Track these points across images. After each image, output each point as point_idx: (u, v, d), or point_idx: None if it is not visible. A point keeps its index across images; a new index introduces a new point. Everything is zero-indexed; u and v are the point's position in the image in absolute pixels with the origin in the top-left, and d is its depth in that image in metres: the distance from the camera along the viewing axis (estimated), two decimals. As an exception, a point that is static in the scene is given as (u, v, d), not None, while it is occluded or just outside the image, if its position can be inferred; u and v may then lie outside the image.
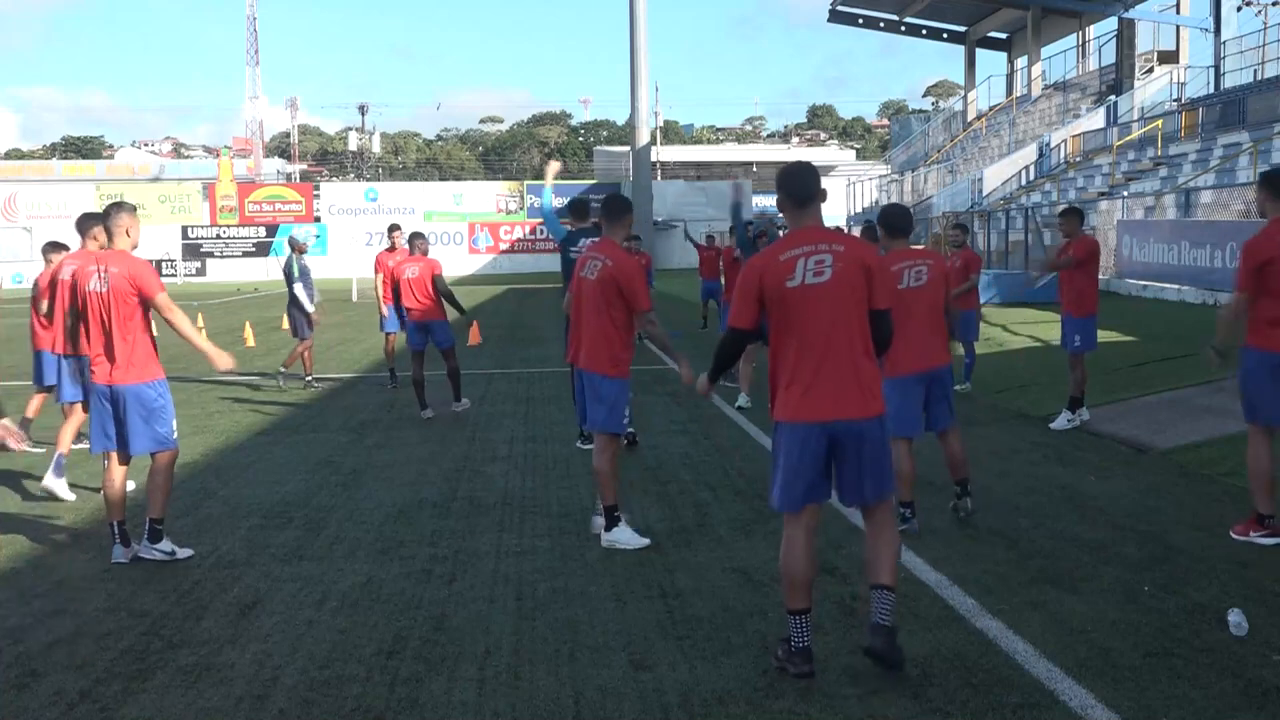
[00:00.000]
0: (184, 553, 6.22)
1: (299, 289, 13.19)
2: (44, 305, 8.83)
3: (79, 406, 8.33)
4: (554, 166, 9.60)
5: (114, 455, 6.21)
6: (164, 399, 6.22)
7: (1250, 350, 6.10)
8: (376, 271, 13.78)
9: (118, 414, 6.11)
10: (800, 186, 4.43)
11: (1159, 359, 11.98)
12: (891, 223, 6.42)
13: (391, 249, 13.44)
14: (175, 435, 6.31)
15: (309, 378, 13.31)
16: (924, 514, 6.54)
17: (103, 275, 6.09)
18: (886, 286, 4.44)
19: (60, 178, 61.58)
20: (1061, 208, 9.99)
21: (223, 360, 6.30)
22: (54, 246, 9.04)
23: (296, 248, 13.43)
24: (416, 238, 11.57)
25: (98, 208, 41.27)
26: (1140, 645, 4.63)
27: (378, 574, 5.87)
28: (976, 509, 6.68)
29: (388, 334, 13.68)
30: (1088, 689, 4.19)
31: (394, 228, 13.84)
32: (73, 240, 8.30)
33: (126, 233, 6.22)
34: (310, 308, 13.28)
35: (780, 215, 4.48)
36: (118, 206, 6.28)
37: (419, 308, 11.05)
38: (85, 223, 7.86)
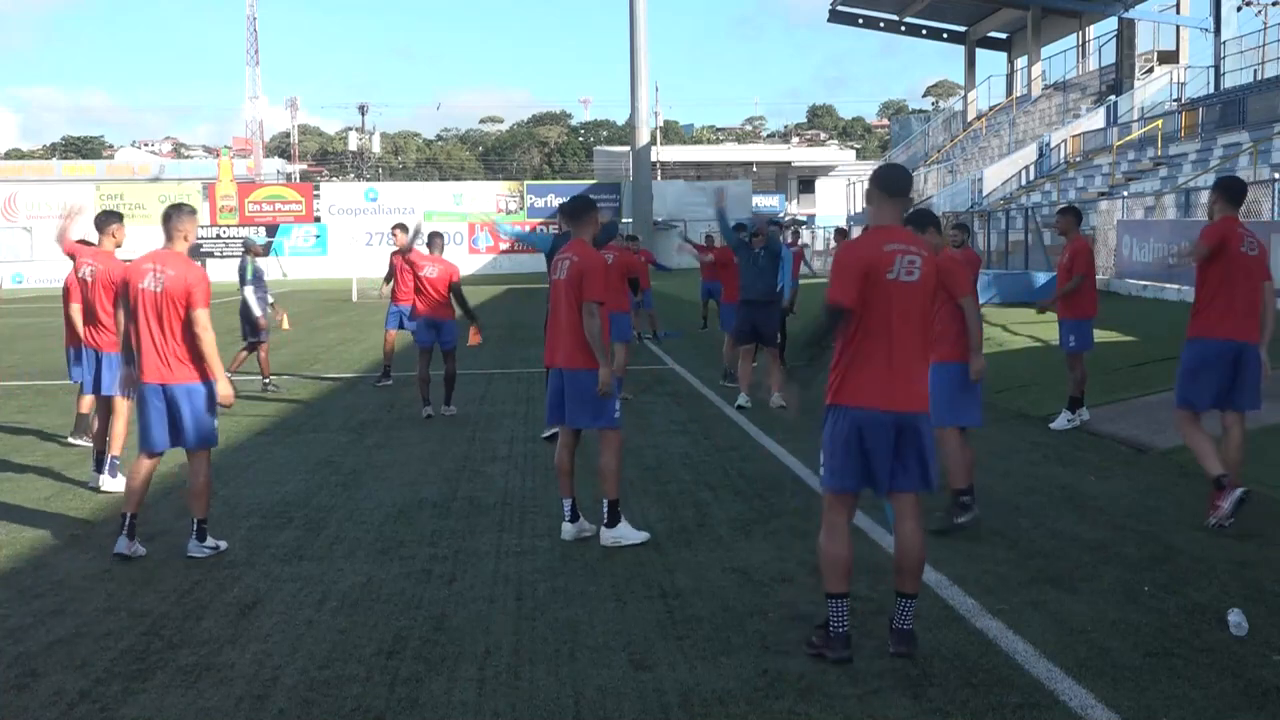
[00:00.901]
0: (223, 544, 6.37)
1: (248, 292, 12.92)
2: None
3: (124, 401, 8.28)
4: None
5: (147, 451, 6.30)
6: (214, 397, 6.33)
7: (1190, 340, 6.69)
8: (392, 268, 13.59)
9: (171, 412, 6.19)
10: (896, 182, 4.61)
11: (1159, 359, 11.97)
12: (933, 221, 6.49)
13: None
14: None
15: (232, 377, 13.03)
16: (925, 514, 6.52)
17: (158, 275, 6.17)
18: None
19: (60, 178, 61.62)
20: (1060, 207, 10.00)
21: (228, 394, 6.32)
22: (87, 245, 9.05)
23: (252, 250, 13.29)
24: (436, 236, 11.62)
25: (98, 208, 41.39)
26: (1140, 645, 4.63)
27: (378, 574, 5.87)
28: (981, 516, 6.62)
29: (388, 331, 13.65)
30: (1088, 689, 4.19)
31: (406, 229, 13.78)
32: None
33: (185, 237, 6.33)
34: (257, 312, 12.95)
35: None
36: (178, 209, 6.39)
37: (430, 306, 11.08)
38: (104, 220, 8.12)
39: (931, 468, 4.60)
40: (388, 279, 13.69)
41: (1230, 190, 6.73)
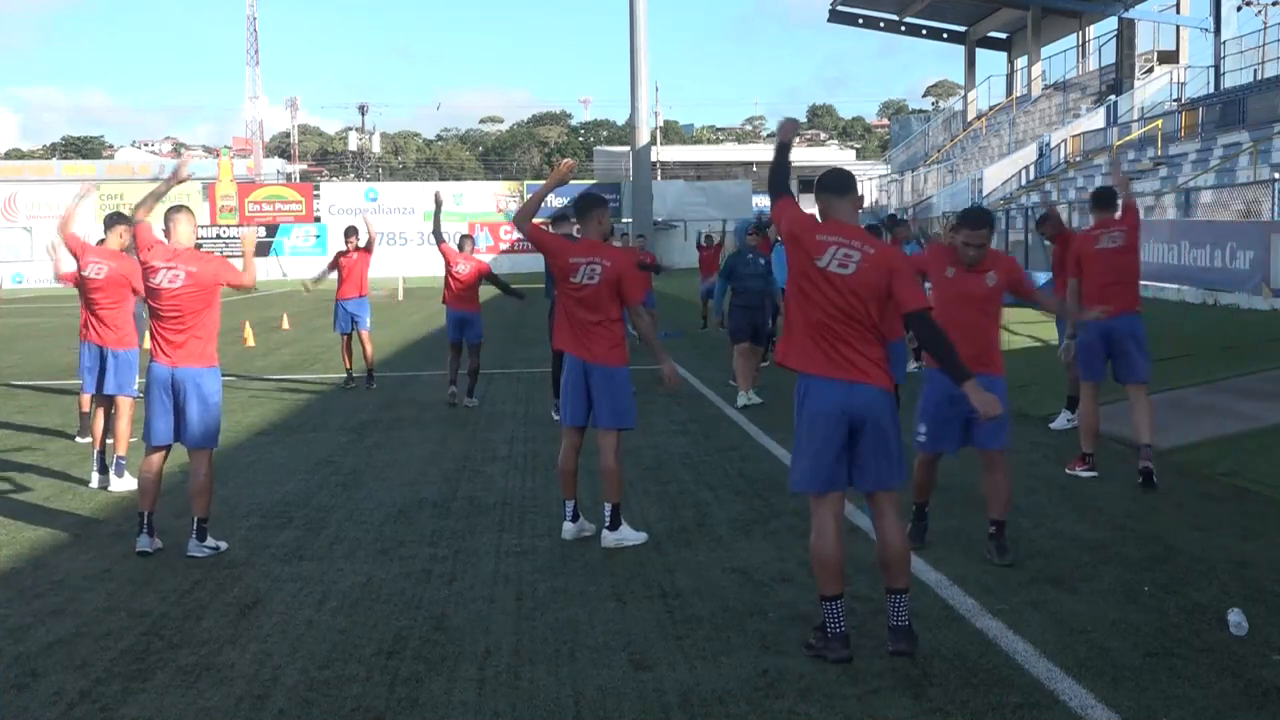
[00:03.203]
0: (223, 544, 6.40)
1: None
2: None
3: (128, 400, 8.27)
4: None
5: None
6: (219, 387, 6.53)
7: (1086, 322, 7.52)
8: (331, 268, 13.42)
9: (176, 404, 6.30)
10: (837, 179, 4.75)
11: (1159, 359, 11.95)
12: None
13: (348, 253, 13.38)
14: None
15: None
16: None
17: (176, 272, 6.36)
18: (914, 287, 4.58)
19: (60, 178, 61.55)
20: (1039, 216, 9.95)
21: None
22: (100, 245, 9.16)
23: None
24: (466, 239, 12.45)
25: (98, 208, 41.32)
26: (1140, 645, 4.63)
27: (378, 574, 5.87)
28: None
29: (343, 334, 13.56)
30: (1088, 689, 4.19)
31: (351, 230, 13.77)
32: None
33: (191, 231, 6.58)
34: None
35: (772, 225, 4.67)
36: (174, 209, 6.65)
37: (459, 302, 11.98)
38: (112, 221, 8.47)
39: (891, 464, 4.56)
40: (328, 270, 13.44)
41: (1095, 198, 8.07)
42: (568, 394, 6.40)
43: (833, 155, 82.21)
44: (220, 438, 9.84)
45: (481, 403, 12.10)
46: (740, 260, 11.43)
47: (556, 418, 10.03)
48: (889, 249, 4.62)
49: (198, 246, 6.68)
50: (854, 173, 5.00)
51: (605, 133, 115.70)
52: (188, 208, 6.72)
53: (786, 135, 4.96)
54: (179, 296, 6.29)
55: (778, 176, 4.87)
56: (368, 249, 13.36)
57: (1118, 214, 7.86)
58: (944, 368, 4.68)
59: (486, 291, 12.36)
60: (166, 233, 6.50)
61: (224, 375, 6.39)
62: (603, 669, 4.52)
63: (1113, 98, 36.19)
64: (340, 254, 13.39)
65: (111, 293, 8.31)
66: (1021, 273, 6.23)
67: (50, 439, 10.19)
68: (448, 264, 12.07)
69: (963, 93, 49.44)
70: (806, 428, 4.54)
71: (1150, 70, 37.03)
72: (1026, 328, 16.20)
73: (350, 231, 13.63)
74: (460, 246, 12.36)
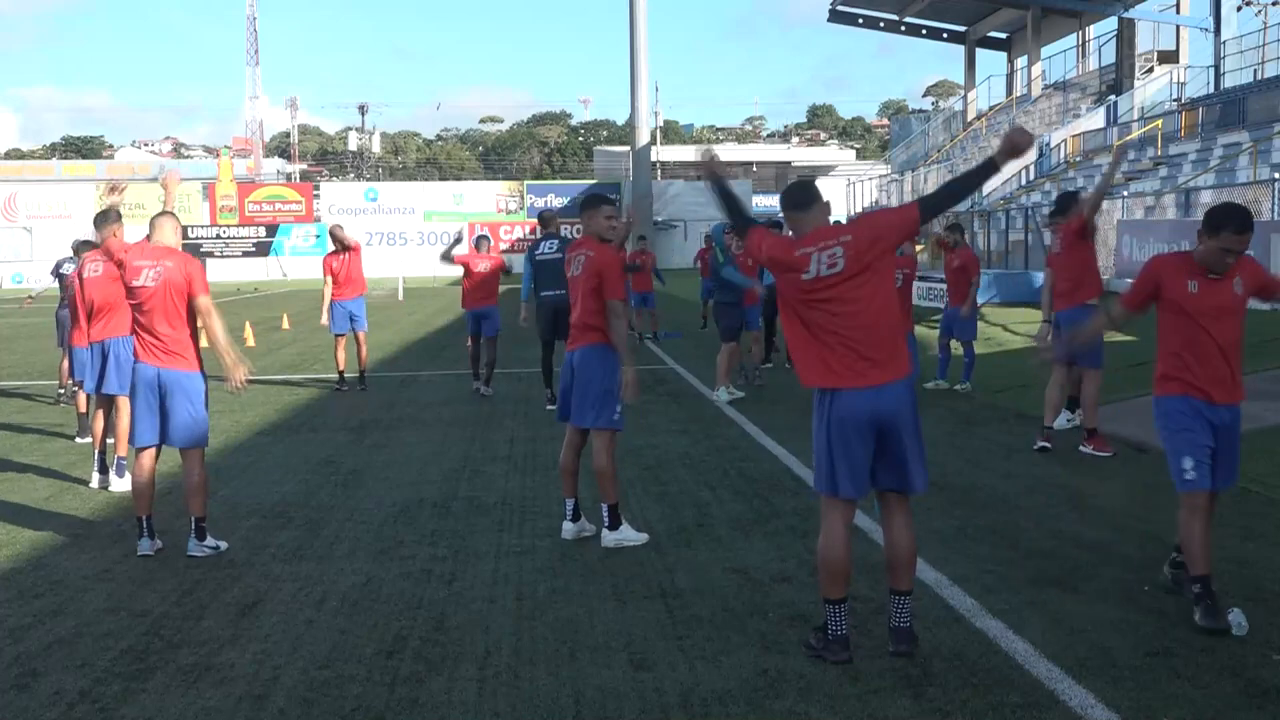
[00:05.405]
0: (223, 544, 6.40)
1: None
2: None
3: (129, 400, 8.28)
4: None
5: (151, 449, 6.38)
6: (206, 391, 6.50)
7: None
8: (326, 274, 13.38)
9: (162, 404, 6.28)
10: (797, 195, 4.69)
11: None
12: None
13: (336, 252, 13.30)
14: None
15: (61, 390, 12.23)
16: (924, 514, 6.52)
17: (156, 270, 6.32)
18: (899, 224, 4.58)
19: (60, 178, 61.64)
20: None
21: (239, 376, 6.38)
22: (90, 245, 9.12)
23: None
24: (483, 240, 13.15)
25: (98, 208, 41.35)
26: (1140, 645, 4.63)
27: (378, 574, 5.87)
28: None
29: (337, 335, 13.56)
30: (1088, 689, 4.19)
31: (336, 228, 13.76)
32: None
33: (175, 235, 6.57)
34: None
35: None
36: (160, 215, 6.64)
37: (477, 298, 12.65)
38: (104, 220, 8.20)
39: (914, 467, 4.54)
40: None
41: (1056, 202, 9.44)
42: (563, 390, 6.44)
43: (833, 155, 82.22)
44: (220, 438, 9.86)
45: (481, 403, 12.11)
46: (728, 258, 11.82)
47: (550, 408, 10.60)
48: (865, 221, 4.59)
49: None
50: (816, 182, 4.92)
51: (605, 133, 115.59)
52: (173, 213, 6.69)
53: (714, 171, 4.93)
54: (158, 293, 6.24)
55: (733, 212, 4.93)
56: (350, 249, 13.32)
57: (1065, 220, 8.95)
58: (974, 178, 4.95)
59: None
60: (149, 237, 6.48)
61: (234, 356, 6.35)
62: (603, 669, 4.52)
63: (1113, 98, 36.18)
64: (331, 253, 13.32)
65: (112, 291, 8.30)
66: (1265, 271, 5.26)
67: (50, 439, 10.19)
68: (467, 268, 12.65)
69: (963, 93, 49.40)
70: (835, 432, 4.46)
71: (1150, 70, 37.03)
72: (1026, 327, 16.21)
73: (335, 229, 13.61)
74: (478, 246, 13.01)
